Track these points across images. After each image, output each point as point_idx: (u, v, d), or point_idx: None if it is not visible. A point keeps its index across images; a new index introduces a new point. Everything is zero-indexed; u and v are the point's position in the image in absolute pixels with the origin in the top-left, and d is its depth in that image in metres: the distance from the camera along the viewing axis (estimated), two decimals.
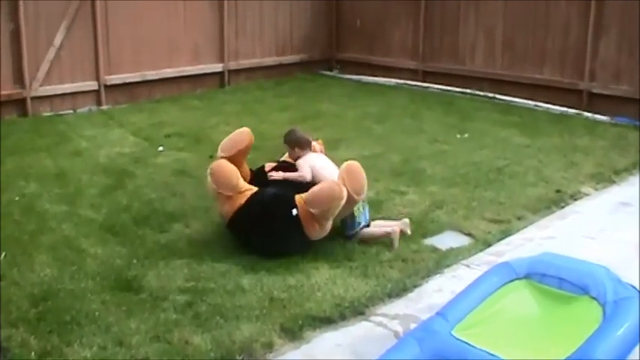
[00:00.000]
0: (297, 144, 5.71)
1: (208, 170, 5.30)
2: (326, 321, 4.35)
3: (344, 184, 5.08)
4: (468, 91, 11.06)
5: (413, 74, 11.94)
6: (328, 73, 12.88)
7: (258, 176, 5.63)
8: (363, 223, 5.50)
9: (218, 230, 5.61)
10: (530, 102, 10.37)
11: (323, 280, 4.81)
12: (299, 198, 5.12)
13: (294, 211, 5.07)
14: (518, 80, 10.68)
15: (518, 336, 3.81)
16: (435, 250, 5.32)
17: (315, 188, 5.13)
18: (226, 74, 11.58)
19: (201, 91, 11.14)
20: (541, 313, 4.01)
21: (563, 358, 3.43)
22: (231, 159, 5.39)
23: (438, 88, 11.43)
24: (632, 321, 3.71)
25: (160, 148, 7.98)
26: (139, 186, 6.70)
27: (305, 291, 4.66)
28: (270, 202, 5.18)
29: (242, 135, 5.59)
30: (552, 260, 4.24)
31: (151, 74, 10.58)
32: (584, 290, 3.94)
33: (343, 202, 5.04)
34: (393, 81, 11.98)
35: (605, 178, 7.17)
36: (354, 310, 4.49)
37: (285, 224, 5.09)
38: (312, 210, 5.04)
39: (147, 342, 4.05)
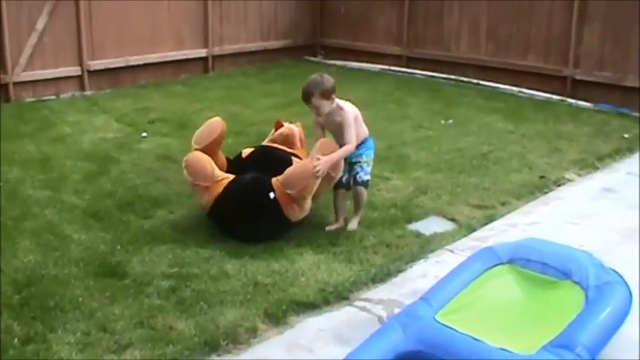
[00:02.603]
0: (326, 94, 5.12)
1: (183, 163, 5.29)
2: (310, 306, 4.35)
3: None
4: (453, 77, 11.06)
5: (397, 60, 11.93)
6: (313, 58, 12.85)
7: (235, 164, 5.61)
8: (368, 177, 5.40)
9: (202, 216, 5.58)
10: (514, 88, 10.38)
11: (307, 265, 4.80)
12: (275, 181, 5.10)
13: (272, 195, 5.06)
14: (502, 66, 10.69)
15: (502, 320, 3.84)
16: (419, 235, 5.33)
17: (289, 169, 5.12)
18: (210, 60, 11.53)
19: (185, 77, 11.10)
20: (524, 297, 4.03)
21: (546, 341, 3.46)
22: (205, 149, 5.36)
23: (422, 74, 11.42)
24: (614, 305, 3.74)
25: (144, 134, 7.94)
26: (122, 172, 6.67)
27: (289, 276, 4.65)
28: (248, 188, 5.16)
29: (214, 125, 5.54)
30: (536, 245, 4.27)
31: (135, 60, 10.52)
32: (567, 275, 3.97)
33: (319, 180, 5.04)
34: (378, 67, 11.97)
35: (589, 164, 7.20)
36: (338, 295, 4.49)
37: (264, 208, 5.08)
38: (289, 191, 5.03)
39: (131, 327, 4.03)
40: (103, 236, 5.24)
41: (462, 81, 10.89)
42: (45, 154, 7.13)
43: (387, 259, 4.96)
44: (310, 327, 4.19)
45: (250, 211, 5.09)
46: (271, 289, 4.49)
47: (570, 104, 9.68)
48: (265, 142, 5.94)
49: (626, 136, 8.14)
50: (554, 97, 9.97)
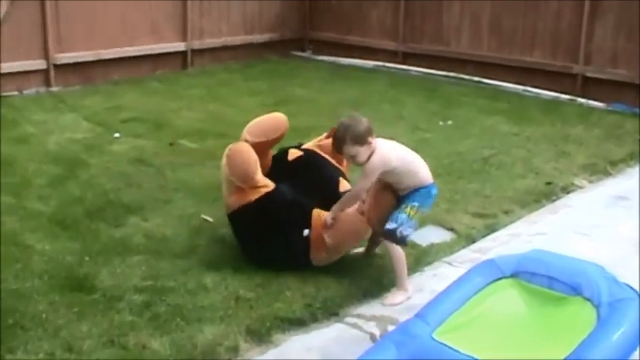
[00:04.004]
0: (359, 140, 4.57)
1: (226, 151, 4.99)
2: (296, 322, 4.34)
3: (365, 210, 4.79)
4: (452, 74, 11.09)
5: (392, 56, 11.95)
6: (301, 54, 12.86)
7: (278, 164, 5.33)
8: (407, 232, 4.75)
9: (179, 224, 5.59)
10: (519, 87, 10.42)
11: (293, 278, 4.78)
12: (317, 215, 4.85)
13: (306, 232, 4.82)
14: (506, 63, 10.73)
15: (505, 339, 3.82)
16: (414, 246, 5.32)
17: (341, 218, 4.79)
18: (189, 54, 11.52)
19: (162, 73, 11.08)
20: (529, 314, 4.01)
21: None
22: (258, 146, 5.03)
23: (419, 72, 11.45)
24: (629, 325, 3.71)
25: (116, 135, 7.92)
26: (92, 175, 6.64)
27: (273, 290, 4.64)
28: (283, 212, 4.90)
29: (276, 122, 5.24)
30: (542, 258, 4.25)
31: (107, 53, 10.48)
32: (576, 290, 3.95)
33: (360, 239, 4.94)
34: (371, 63, 11.99)
35: (600, 169, 7.23)
36: (327, 310, 4.48)
37: (291, 241, 4.85)
38: (326, 237, 4.80)
39: (99, 347, 4.00)
40: (69, 246, 5.21)
41: (462, 79, 10.92)
42: (6, 156, 7.08)
43: (380, 272, 4.96)
44: (296, 345, 4.17)
45: (274, 239, 4.88)
46: (254, 304, 4.48)
47: (580, 104, 9.72)
48: (312, 145, 5.57)
49: None
50: (563, 96, 10.01)
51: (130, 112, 8.87)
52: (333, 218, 4.76)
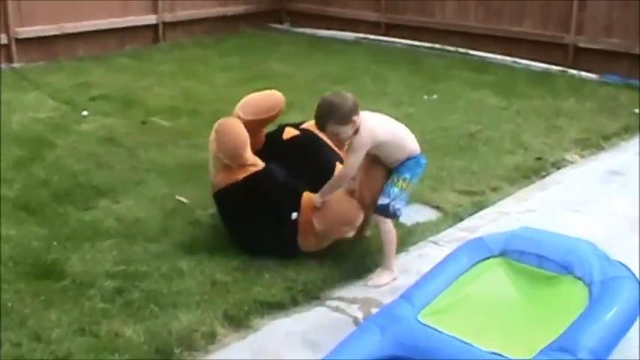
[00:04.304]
0: (344, 119, 4.52)
1: (215, 126, 4.95)
2: (276, 306, 4.36)
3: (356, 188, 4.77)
4: (437, 46, 11.09)
5: (374, 28, 11.93)
6: (278, 26, 12.82)
7: (272, 142, 5.28)
8: (399, 205, 4.76)
9: (152, 206, 5.58)
10: (507, 58, 10.44)
11: (272, 260, 4.79)
12: (308, 199, 4.78)
13: (294, 215, 4.78)
14: (494, 34, 10.74)
15: (494, 321, 3.87)
16: (398, 225, 5.30)
17: (333, 201, 4.75)
18: (161, 28, 11.46)
19: (132, 48, 11.02)
20: (519, 295, 4.07)
21: (545, 345, 3.48)
22: (250, 124, 4.96)
23: (402, 44, 11.44)
24: (622, 303, 3.77)
25: (84, 113, 7.89)
26: (59, 157, 6.62)
27: (251, 273, 4.65)
28: (271, 192, 4.86)
29: (271, 100, 5.17)
30: (531, 235, 4.30)
31: (71, 27, 10.39)
32: (567, 269, 4.01)
33: (354, 230, 4.90)
34: (352, 35, 11.97)
35: (593, 143, 7.28)
36: (308, 293, 4.50)
37: (279, 224, 4.82)
38: (315, 223, 4.76)
39: (69, 336, 4.00)
40: (36, 231, 5.19)
41: (448, 51, 10.92)
42: None
43: (363, 253, 4.98)
44: (276, 330, 4.19)
45: (261, 221, 4.85)
46: (232, 288, 4.49)
47: (572, 76, 9.75)
48: (308, 126, 5.40)
49: (636, 111, 8.23)
50: (554, 68, 10.03)
51: (98, 89, 8.82)
52: (322, 201, 4.73)
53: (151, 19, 11.33)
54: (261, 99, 5.19)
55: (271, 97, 5.21)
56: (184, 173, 6.12)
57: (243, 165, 4.86)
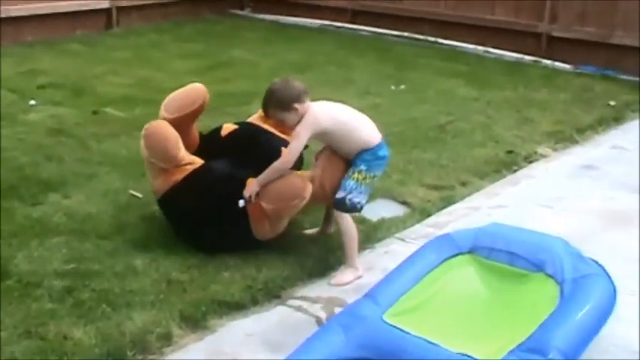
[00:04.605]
0: (284, 105, 4.69)
1: (143, 131, 5.01)
2: (234, 306, 4.36)
3: (316, 176, 4.78)
4: (406, 34, 11.15)
5: (340, 14, 11.95)
6: (239, 12, 12.81)
7: (209, 142, 5.31)
8: (358, 199, 4.81)
9: (104, 201, 5.55)
10: (479, 47, 10.53)
11: (231, 258, 4.80)
12: (251, 183, 4.77)
13: (241, 203, 4.75)
14: (465, 22, 10.81)
15: (462, 320, 3.89)
16: (363, 220, 5.35)
17: (274, 181, 4.75)
18: (114, 12, 11.40)
19: (83, 33, 10.96)
20: (488, 293, 4.10)
21: (514, 345, 3.51)
22: (176, 122, 4.99)
23: (370, 31, 11.48)
24: (594, 302, 3.81)
25: (32, 102, 7.83)
26: (4, 149, 6.54)
27: (209, 271, 4.65)
28: (213, 187, 4.87)
29: (195, 93, 5.19)
30: (502, 232, 4.33)
31: (17, 10, 10.28)
32: (538, 267, 4.04)
33: (305, 201, 4.78)
34: (317, 22, 11.99)
35: (566, 136, 7.36)
36: (269, 292, 4.51)
37: (227, 217, 4.82)
38: (263, 204, 4.75)
39: (14, 339, 3.96)
40: None
41: (417, 39, 10.98)
42: None
43: (326, 250, 5.00)
44: (235, 331, 4.20)
45: (208, 216, 4.86)
46: (188, 286, 4.48)
47: (545, 66, 9.85)
48: (253, 119, 5.55)
49: (611, 103, 8.33)
50: (526, 57, 10.13)
51: (47, 77, 8.76)
52: (257, 191, 4.73)
53: (103, 2, 11.26)
54: (181, 95, 5.23)
55: (192, 90, 5.24)
56: (139, 166, 6.05)
57: (180, 165, 4.90)
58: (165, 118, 5.05)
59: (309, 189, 4.73)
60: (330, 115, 4.78)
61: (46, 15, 10.60)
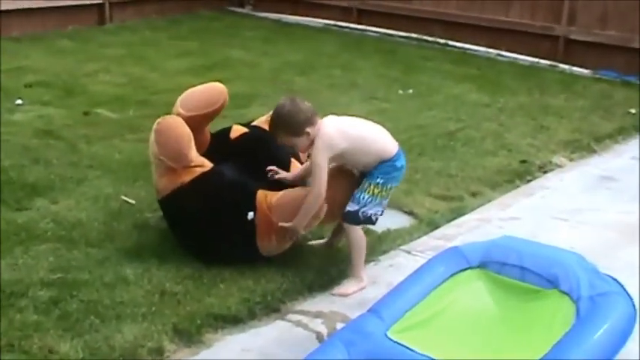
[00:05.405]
0: (295, 130, 4.64)
1: (154, 125, 4.95)
2: (231, 320, 4.35)
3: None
4: (414, 35, 11.18)
5: (346, 14, 11.98)
6: (239, 9, 12.84)
7: (219, 143, 5.29)
8: (373, 211, 4.83)
9: (94, 207, 5.55)
10: (491, 50, 10.54)
11: (228, 269, 4.79)
12: (263, 197, 4.78)
13: (250, 215, 4.76)
14: (477, 23, 10.82)
15: (470, 338, 3.88)
16: (367, 231, 5.35)
17: (287, 195, 4.77)
18: (107, 7, 11.45)
19: (74, 29, 11.00)
20: (499, 310, 4.08)
21: None
22: (192, 120, 4.97)
23: (376, 32, 11.51)
24: (612, 321, 3.79)
25: (18, 102, 7.85)
26: None
27: (205, 283, 4.65)
28: (222, 193, 4.86)
29: (214, 93, 5.17)
30: (514, 245, 4.32)
31: (4, 4, 10.32)
32: (552, 283, 4.03)
33: (319, 220, 4.80)
34: (321, 22, 12.01)
35: (584, 146, 7.36)
36: (267, 306, 4.50)
37: (234, 226, 4.82)
38: (276, 220, 4.73)
39: None
40: None
41: (426, 41, 11.00)
42: None
43: (329, 262, 5.00)
44: (232, 346, 4.19)
45: (212, 222, 4.86)
46: (182, 299, 4.48)
47: (563, 71, 9.86)
48: (260, 123, 5.48)
49: (632, 111, 8.34)
50: (542, 61, 10.14)
51: (35, 74, 8.78)
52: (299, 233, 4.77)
53: None
54: (202, 92, 5.20)
55: (213, 89, 5.22)
56: (131, 171, 6.10)
57: (189, 166, 4.87)
58: (180, 115, 5.02)
59: (324, 208, 4.74)
60: (343, 133, 4.71)
61: (37, 9, 10.64)
